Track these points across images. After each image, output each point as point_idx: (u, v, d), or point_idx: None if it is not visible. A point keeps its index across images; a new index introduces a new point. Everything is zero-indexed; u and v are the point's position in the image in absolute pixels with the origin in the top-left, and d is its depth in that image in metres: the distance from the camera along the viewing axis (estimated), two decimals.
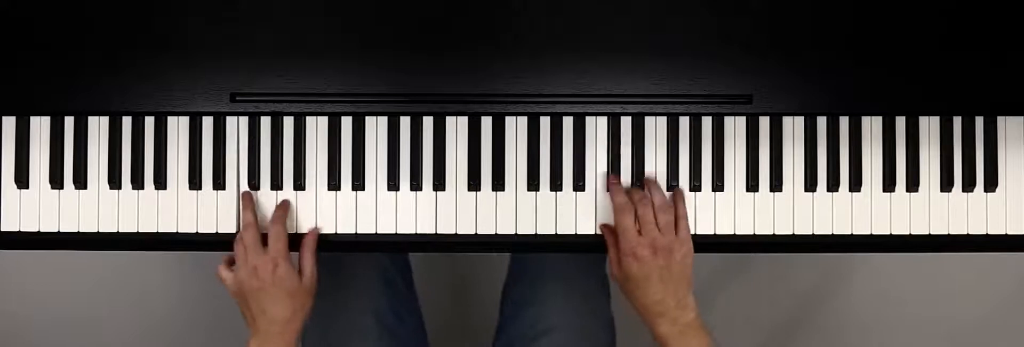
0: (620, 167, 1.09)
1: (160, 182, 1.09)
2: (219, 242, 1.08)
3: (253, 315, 1.04)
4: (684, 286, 1.03)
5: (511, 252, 1.31)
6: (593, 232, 1.09)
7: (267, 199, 1.09)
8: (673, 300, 1.02)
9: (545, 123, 1.10)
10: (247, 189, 1.09)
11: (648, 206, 1.04)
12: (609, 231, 1.07)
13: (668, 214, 1.04)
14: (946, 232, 1.10)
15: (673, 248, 1.03)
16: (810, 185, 1.10)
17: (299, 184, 1.09)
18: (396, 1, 1.06)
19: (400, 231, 1.09)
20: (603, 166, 1.09)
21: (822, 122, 1.10)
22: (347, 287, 1.25)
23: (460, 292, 1.83)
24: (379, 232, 1.09)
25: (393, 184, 1.09)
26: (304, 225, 1.09)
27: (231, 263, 1.07)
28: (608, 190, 1.08)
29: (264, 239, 1.05)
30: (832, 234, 1.10)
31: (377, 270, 1.26)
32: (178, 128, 1.10)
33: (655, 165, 1.10)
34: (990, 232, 1.10)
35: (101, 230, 1.10)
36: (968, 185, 1.10)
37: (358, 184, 1.09)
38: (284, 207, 1.08)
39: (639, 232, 1.03)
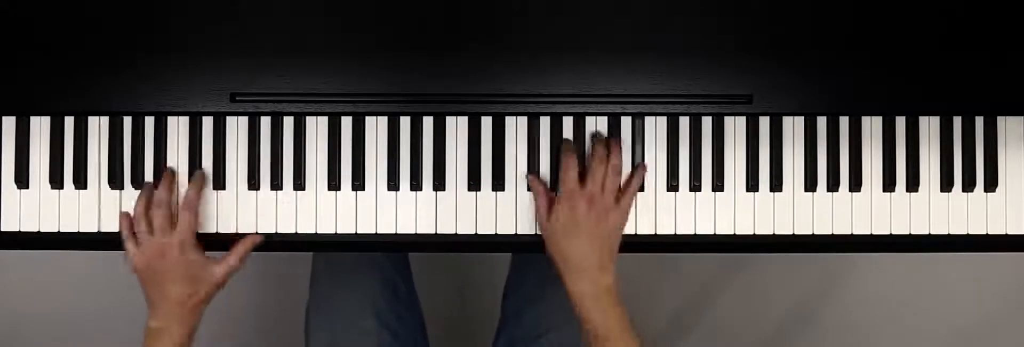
0: (620, 167, 1.09)
1: (159, 180, 1.09)
2: (218, 241, 1.08)
3: (152, 296, 1.04)
4: (608, 251, 1.03)
5: (511, 252, 1.31)
6: None
7: (267, 199, 1.09)
8: (596, 259, 1.02)
9: (545, 123, 1.10)
10: (171, 169, 1.09)
11: (603, 164, 1.04)
12: (539, 181, 1.07)
13: (616, 178, 1.05)
14: (946, 232, 1.10)
15: (609, 210, 1.03)
16: (810, 185, 1.10)
17: (299, 184, 1.09)
18: (396, 1, 1.06)
19: (400, 231, 1.09)
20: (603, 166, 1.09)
21: (822, 122, 1.10)
22: (348, 288, 1.25)
23: (460, 292, 1.83)
24: (379, 232, 1.09)
25: (393, 184, 1.09)
26: (304, 225, 1.09)
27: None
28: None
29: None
30: (832, 234, 1.10)
31: (377, 271, 1.26)
32: (178, 128, 1.10)
33: (655, 165, 1.10)
34: (990, 232, 1.10)
35: (101, 230, 1.09)
36: (968, 185, 1.10)
37: (358, 184, 1.09)
38: (196, 186, 1.06)
39: (581, 185, 1.03)
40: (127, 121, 1.10)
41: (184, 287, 1.03)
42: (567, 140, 1.08)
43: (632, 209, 1.08)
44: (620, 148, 1.07)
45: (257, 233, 1.08)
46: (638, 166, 1.08)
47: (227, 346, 1.82)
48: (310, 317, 1.26)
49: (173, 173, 1.08)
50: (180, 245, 1.03)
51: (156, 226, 1.04)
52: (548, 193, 1.06)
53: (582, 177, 1.05)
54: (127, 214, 1.07)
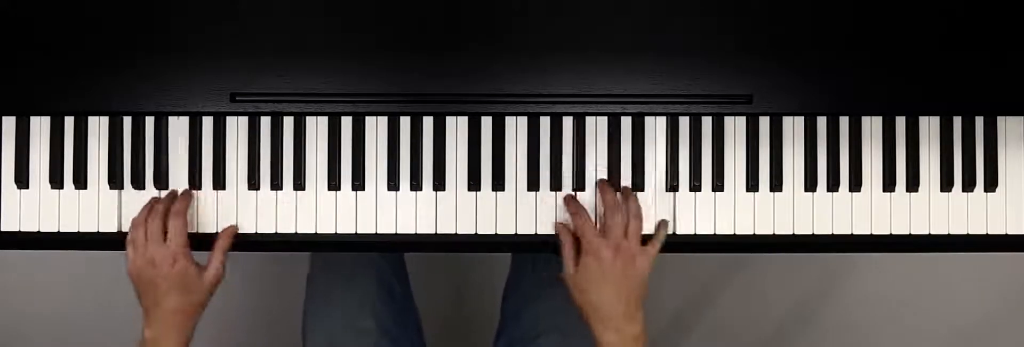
0: (620, 167, 1.09)
1: (160, 182, 1.09)
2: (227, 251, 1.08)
3: (147, 304, 1.04)
4: (636, 298, 1.02)
5: (511, 252, 1.31)
6: None
7: (267, 199, 1.09)
8: (623, 307, 1.01)
9: (545, 123, 1.10)
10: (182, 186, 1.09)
11: (620, 210, 1.04)
12: (565, 230, 1.06)
13: (638, 223, 1.04)
14: (946, 232, 1.10)
15: (636, 256, 1.03)
16: (810, 185, 1.10)
17: (299, 184, 1.09)
18: (396, 1, 1.06)
19: (400, 231, 1.09)
20: (603, 166, 1.09)
21: (822, 122, 1.10)
22: (345, 289, 1.25)
23: (460, 293, 1.83)
24: (379, 232, 1.09)
25: (393, 184, 1.09)
26: (304, 225, 1.09)
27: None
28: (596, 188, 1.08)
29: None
30: (832, 234, 1.10)
31: (374, 272, 1.26)
32: (178, 128, 1.10)
33: (655, 165, 1.10)
34: (990, 232, 1.10)
35: (101, 230, 1.09)
36: (968, 185, 1.10)
37: (358, 184, 1.09)
38: (185, 200, 1.07)
39: (602, 233, 1.03)
40: (127, 121, 1.10)
41: (177, 296, 1.03)
42: (568, 196, 1.08)
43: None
44: (634, 195, 1.06)
45: (231, 225, 1.08)
46: (662, 221, 1.08)
47: (224, 343, 1.82)
48: (307, 318, 1.26)
49: (176, 192, 1.08)
50: (171, 256, 1.03)
51: (151, 236, 1.04)
52: (574, 242, 1.05)
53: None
54: (136, 221, 1.07)
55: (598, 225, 1.06)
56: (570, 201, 1.07)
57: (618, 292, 1.01)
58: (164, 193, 1.09)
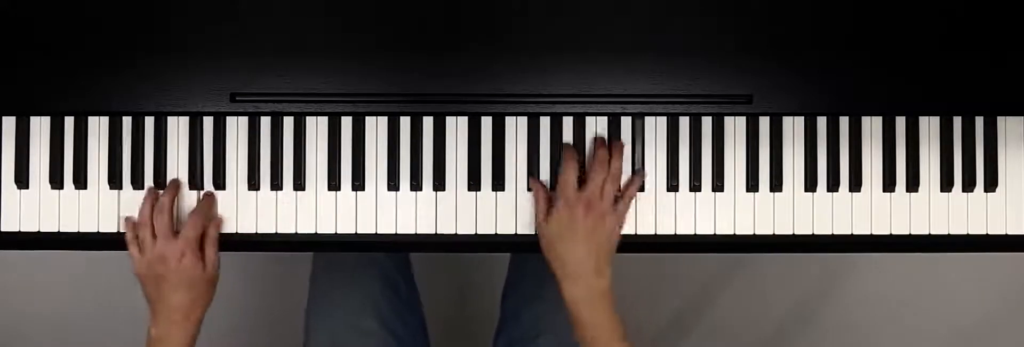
0: (620, 172, 1.09)
1: (160, 182, 1.09)
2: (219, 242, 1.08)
3: (153, 302, 1.04)
4: (605, 256, 1.03)
5: (511, 252, 1.31)
6: None
7: (267, 199, 1.09)
8: (592, 263, 1.02)
9: (545, 123, 1.10)
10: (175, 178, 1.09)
11: (604, 168, 1.04)
12: (539, 184, 1.07)
13: (616, 183, 1.05)
14: (946, 232, 1.10)
15: (606, 214, 1.03)
16: (810, 185, 1.10)
17: (299, 184, 1.09)
18: (396, 1, 1.06)
19: (400, 231, 1.09)
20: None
21: (822, 122, 1.10)
22: (348, 288, 1.25)
23: (460, 292, 1.83)
24: (379, 232, 1.09)
25: (393, 184, 1.09)
26: (304, 225, 1.09)
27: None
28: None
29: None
30: (832, 234, 1.10)
31: (378, 271, 1.26)
32: (178, 128, 1.10)
33: (655, 165, 1.10)
34: (990, 232, 1.10)
35: (101, 230, 1.09)
36: (968, 185, 1.10)
37: (358, 184, 1.09)
38: (210, 199, 1.07)
39: (580, 189, 1.04)
40: (127, 121, 1.10)
41: (185, 293, 1.03)
42: (568, 144, 1.08)
43: (632, 210, 1.08)
44: (622, 152, 1.07)
45: (216, 218, 1.08)
46: (637, 171, 1.08)
47: (224, 343, 1.82)
48: (310, 317, 1.26)
49: (178, 183, 1.08)
50: (180, 252, 1.03)
51: (159, 232, 1.04)
52: (547, 195, 1.06)
53: (582, 181, 1.05)
54: (131, 218, 1.07)
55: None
56: (569, 150, 1.07)
57: (587, 247, 1.02)
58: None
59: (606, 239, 1.03)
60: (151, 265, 1.04)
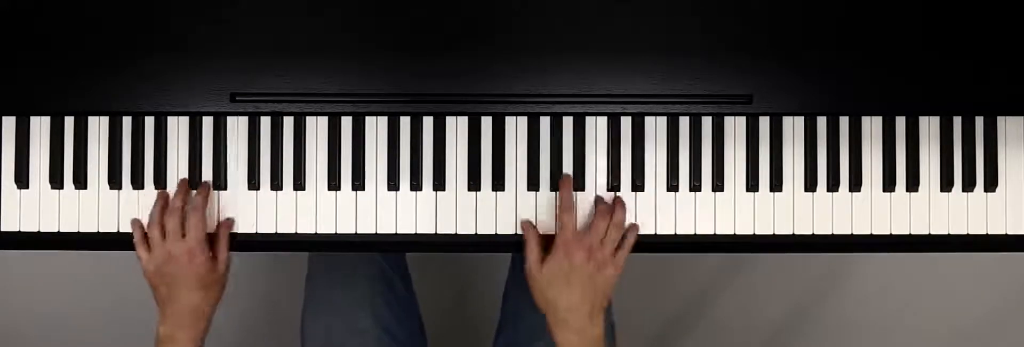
0: (620, 167, 1.09)
1: (160, 182, 1.09)
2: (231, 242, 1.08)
3: (163, 302, 1.05)
4: (600, 302, 1.03)
5: (511, 252, 1.30)
6: None
7: (267, 199, 1.09)
8: (586, 310, 1.02)
9: (545, 123, 1.10)
10: (185, 177, 1.09)
11: (607, 218, 1.05)
12: (529, 226, 1.07)
13: (617, 233, 1.05)
14: (946, 232, 1.10)
15: (606, 264, 1.03)
16: (810, 185, 1.10)
17: (299, 184, 1.09)
18: (396, 1, 1.06)
19: (400, 231, 1.09)
20: (603, 166, 1.09)
21: (822, 122, 1.10)
22: (345, 288, 1.25)
23: (460, 293, 1.83)
24: (379, 232, 1.09)
25: (393, 184, 1.09)
26: (304, 225, 1.09)
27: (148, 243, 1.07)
28: (560, 187, 1.07)
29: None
30: (832, 234, 1.10)
31: (376, 272, 1.26)
32: (178, 128, 1.10)
33: (655, 165, 1.10)
34: (990, 232, 1.10)
35: (101, 230, 1.09)
36: (968, 185, 1.10)
37: (358, 184, 1.09)
38: (203, 193, 1.07)
39: (581, 235, 1.03)
40: (127, 121, 1.10)
41: (195, 292, 1.04)
42: (567, 175, 1.07)
43: (631, 213, 1.08)
44: (624, 206, 1.07)
45: (228, 218, 1.08)
46: (632, 226, 1.08)
47: (224, 345, 1.82)
48: (307, 317, 1.26)
49: (186, 182, 1.08)
50: (190, 251, 1.04)
51: (169, 232, 1.04)
52: (539, 239, 1.05)
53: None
54: (138, 220, 1.07)
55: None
56: (565, 194, 1.06)
57: (583, 293, 1.02)
58: (172, 191, 1.09)
59: (602, 287, 1.03)
60: (160, 265, 1.04)
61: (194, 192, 1.08)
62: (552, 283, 1.02)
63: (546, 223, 1.09)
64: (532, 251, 1.05)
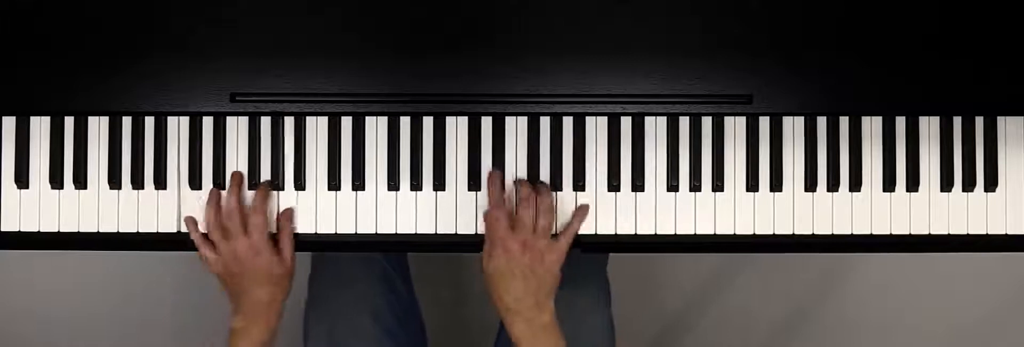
0: (620, 167, 1.09)
1: (160, 182, 1.09)
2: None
3: (234, 296, 1.06)
4: (545, 289, 1.04)
5: None
6: (592, 232, 1.09)
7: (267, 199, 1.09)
8: (532, 300, 1.03)
9: (545, 123, 1.10)
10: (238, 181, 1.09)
11: (530, 206, 1.04)
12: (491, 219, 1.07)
13: (548, 217, 1.05)
14: (946, 232, 1.10)
15: (544, 251, 1.04)
16: (810, 185, 1.09)
17: (299, 184, 1.09)
18: (396, 1, 1.06)
19: (400, 231, 1.09)
20: (603, 166, 1.09)
21: (822, 122, 1.10)
22: (346, 289, 1.25)
23: (460, 293, 1.83)
24: (379, 232, 1.09)
25: (393, 184, 1.09)
26: (304, 225, 1.09)
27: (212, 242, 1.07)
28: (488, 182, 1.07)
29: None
30: (832, 234, 1.10)
31: (376, 272, 1.26)
32: (178, 128, 1.10)
33: (655, 165, 1.10)
34: (990, 232, 1.10)
35: (101, 230, 1.10)
36: (968, 185, 1.10)
37: (358, 184, 1.09)
38: (263, 192, 1.08)
39: (511, 227, 1.04)
40: (127, 121, 1.10)
41: (265, 287, 1.05)
42: (493, 173, 1.07)
43: (633, 211, 1.08)
44: (549, 190, 1.07)
45: (288, 208, 1.08)
46: (580, 207, 1.08)
47: (225, 344, 1.82)
48: (308, 318, 1.26)
49: (241, 176, 1.08)
50: (255, 248, 1.04)
51: (232, 231, 1.05)
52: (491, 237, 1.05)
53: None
54: (193, 219, 1.08)
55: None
56: (492, 189, 1.06)
57: (526, 285, 1.03)
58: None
59: (546, 275, 1.04)
60: (227, 265, 1.05)
61: (196, 192, 1.08)
62: (496, 276, 1.03)
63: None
64: (486, 250, 1.06)
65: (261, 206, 1.06)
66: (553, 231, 1.06)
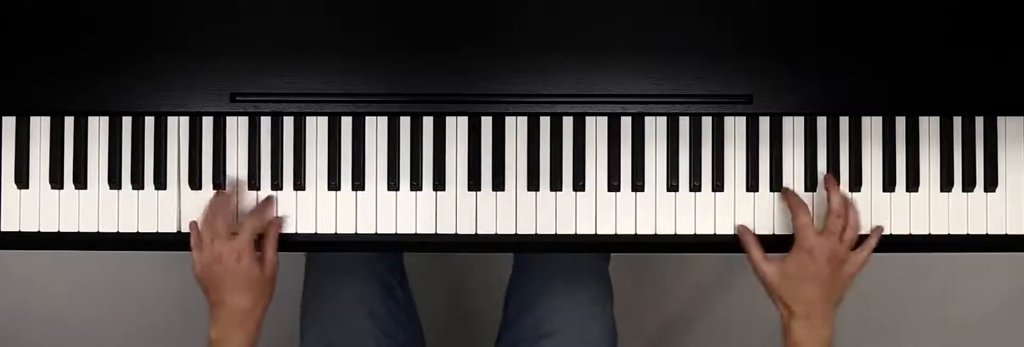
0: (620, 167, 1.09)
1: (160, 182, 1.09)
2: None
3: (213, 303, 1.05)
4: (834, 300, 1.04)
5: (511, 252, 1.31)
6: (592, 232, 1.09)
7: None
8: (823, 308, 1.03)
9: (545, 123, 1.10)
10: (235, 187, 1.09)
11: (842, 218, 1.05)
12: (746, 230, 1.08)
13: (854, 232, 1.05)
14: (946, 232, 1.10)
15: (847, 262, 1.04)
16: (810, 185, 1.10)
17: (299, 184, 1.09)
18: (396, 1, 1.06)
19: (400, 231, 1.09)
20: (603, 166, 1.09)
21: (822, 122, 1.10)
22: (343, 289, 1.24)
23: (460, 294, 1.83)
24: (379, 232, 1.09)
25: (393, 184, 1.09)
26: (304, 225, 1.09)
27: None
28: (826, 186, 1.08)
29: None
30: None
31: (372, 271, 1.26)
32: (178, 128, 1.10)
33: (655, 165, 1.10)
34: (990, 232, 1.10)
35: (101, 230, 1.10)
36: (968, 185, 1.10)
37: (358, 184, 1.09)
38: (268, 203, 1.08)
39: (821, 234, 1.04)
40: (127, 121, 1.10)
41: (244, 294, 1.04)
42: (788, 190, 1.08)
43: (632, 215, 1.08)
44: (855, 207, 1.07)
45: (277, 217, 1.08)
46: (877, 227, 1.08)
47: None
48: (304, 318, 1.26)
49: (236, 180, 1.08)
50: (236, 252, 1.03)
51: (218, 233, 1.04)
52: (757, 238, 1.06)
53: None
54: (195, 223, 1.07)
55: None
56: (791, 195, 1.07)
57: (823, 293, 1.03)
58: (208, 190, 1.09)
59: (840, 287, 1.04)
60: (208, 266, 1.04)
61: (202, 192, 1.08)
62: (790, 282, 1.03)
63: (549, 222, 1.09)
64: (756, 251, 1.06)
65: (258, 212, 1.06)
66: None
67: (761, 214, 1.09)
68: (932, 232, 1.10)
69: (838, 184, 1.08)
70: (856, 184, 1.10)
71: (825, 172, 1.10)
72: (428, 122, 1.09)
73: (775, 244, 1.10)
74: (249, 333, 1.05)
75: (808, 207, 1.06)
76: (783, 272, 1.04)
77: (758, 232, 1.09)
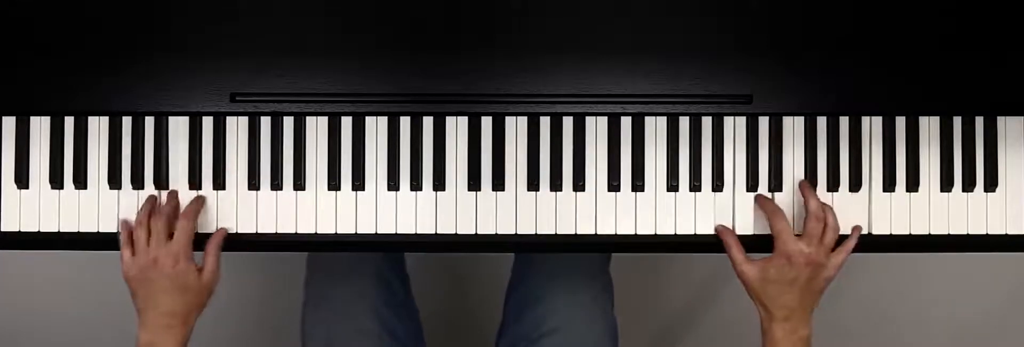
0: (620, 167, 1.09)
1: (160, 182, 1.09)
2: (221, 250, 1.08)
3: (143, 306, 1.03)
4: (811, 303, 1.05)
5: (511, 252, 1.31)
6: (592, 232, 1.09)
7: (267, 199, 1.09)
8: (801, 312, 1.04)
9: (545, 123, 1.10)
10: (186, 188, 1.09)
11: (821, 222, 1.05)
12: (727, 231, 1.08)
13: (834, 235, 1.05)
14: (946, 232, 1.10)
15: (824, 266, 1.04)
16: (809, 185, 1.09)
17: (299, 184, 1.09)
18: (396, 1, 1.06)
19: (400, 231, 1.09)
20: (603, 166, 1.09)
21: (822, 122, 1.10)
22: (344, 288, 1.25)
23: (460, 293, 1.83)
24: (379, 232, 1.09)
25: (393, 184, 1.09)
26: (304, 225, 1.09)
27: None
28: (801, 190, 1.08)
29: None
30: None
31: (373, 271, 1.26)
32: (178, 128, 1.10)
33: (655, 165, 1.10)
34: (990, 232, 1.10)
35: (101, 230, 1.10)
36: (968, 185, 1.10)
37: (358, 184, 1.09)
38: (198, 202, 1.07)
39: (799, 238, 1.04)
40: (127, 121, 1.10)
41: (175, 297, 1.02)
42: (762, 196, 1.08)
43: (632, 215, 1.08)
44: (832, 210, 1.07)
45: (222, 228, 1.08)
46: (855, 228, 1.08)
47: (225, 345, 1.82)
48: (306, 319, 1.26)
49: (176, 193, 1.08)
50: (174, 255, 1.02)
51: (154, 235, 1.04)
52: (738, 240, 1.07)
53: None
54: (127, 221, 1.07)
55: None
56: (766, 201, 1.07)
57: (801, 296, 1.04)
58: (164, 193, 1.09)
59: (819, 290, 1.05)
60: (143, 269, 1.03)
61: (196, 193, 1.07)
62: (768, 285, 1.04)
63: (549, 222, 1.09)
64: (737, 252, 1.06)
65: (191, 214, 1.05)
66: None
67: (761, 214, 1.09)
68: (932, 232, 1.10)
69: (814, 188, 1.08)
70: (856, 184, 1.10)
71: (824, 172, 1.10)
72: (428, 122, 1.09)
73: (773, 244, 1.10)
74: (178, 337, 1.03)
75: (784, 213, 1.06)
76: (763, 275, 1.04)
77: (758, 232, 1.09)
